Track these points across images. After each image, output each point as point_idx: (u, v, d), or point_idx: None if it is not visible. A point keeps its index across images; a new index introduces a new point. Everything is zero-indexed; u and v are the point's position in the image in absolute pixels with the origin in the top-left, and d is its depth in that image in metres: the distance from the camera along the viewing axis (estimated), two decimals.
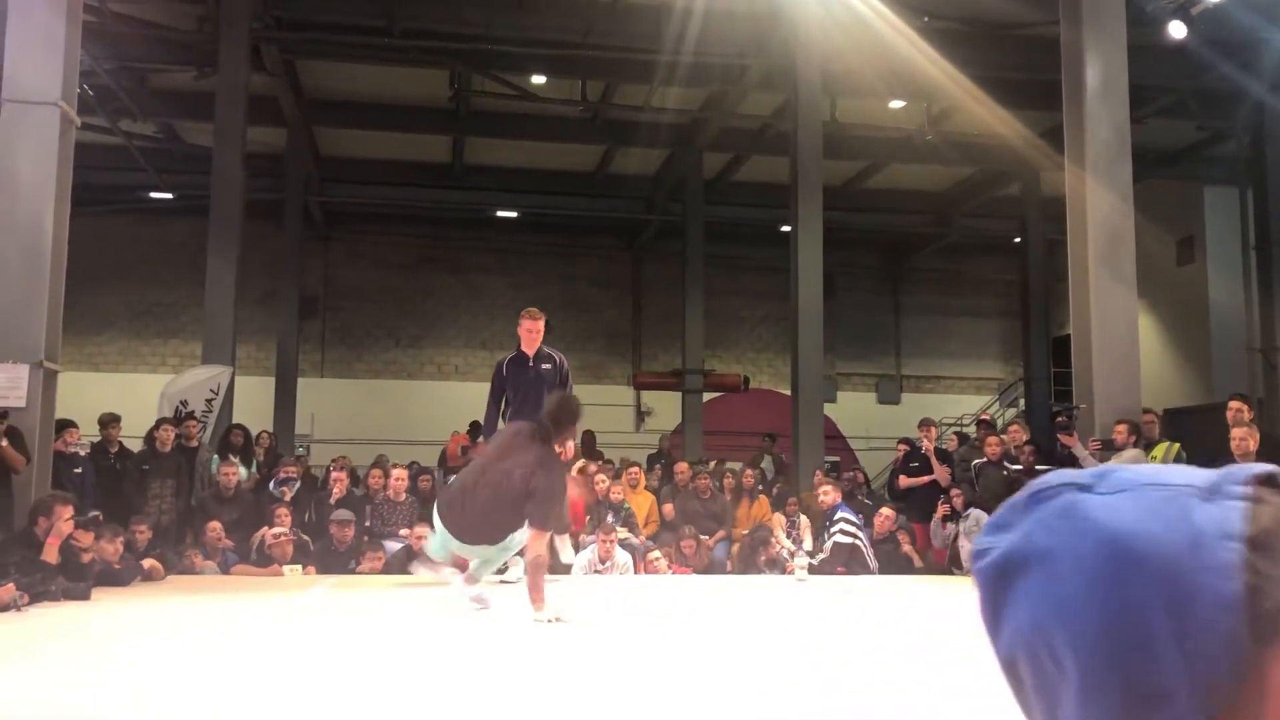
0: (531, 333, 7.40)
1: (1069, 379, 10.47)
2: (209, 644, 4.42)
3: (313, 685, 3.64)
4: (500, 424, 7.52)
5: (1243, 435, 8.00)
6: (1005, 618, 0.67)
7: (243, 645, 4.47)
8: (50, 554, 6.22)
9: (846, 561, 9.04)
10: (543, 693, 3.54)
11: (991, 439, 10.50)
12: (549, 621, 5.15)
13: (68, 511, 6.44)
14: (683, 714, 3.21)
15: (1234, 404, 8.79)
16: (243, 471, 10.76)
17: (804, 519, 10.07)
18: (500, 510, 5.27)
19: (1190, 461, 9.13)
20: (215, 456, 11.00)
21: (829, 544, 9.11)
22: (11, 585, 5.49)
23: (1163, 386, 18.61)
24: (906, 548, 9.80)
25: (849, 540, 9.11)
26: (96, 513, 6.98)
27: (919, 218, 23.07)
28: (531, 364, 7.41)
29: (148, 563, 7.31)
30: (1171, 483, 0.64)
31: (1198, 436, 9.41)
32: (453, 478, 5.80)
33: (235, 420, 12.97)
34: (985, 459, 10.13)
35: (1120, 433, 9.24)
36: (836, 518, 9.31)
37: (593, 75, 16.86)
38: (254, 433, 12.69)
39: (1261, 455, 7.99)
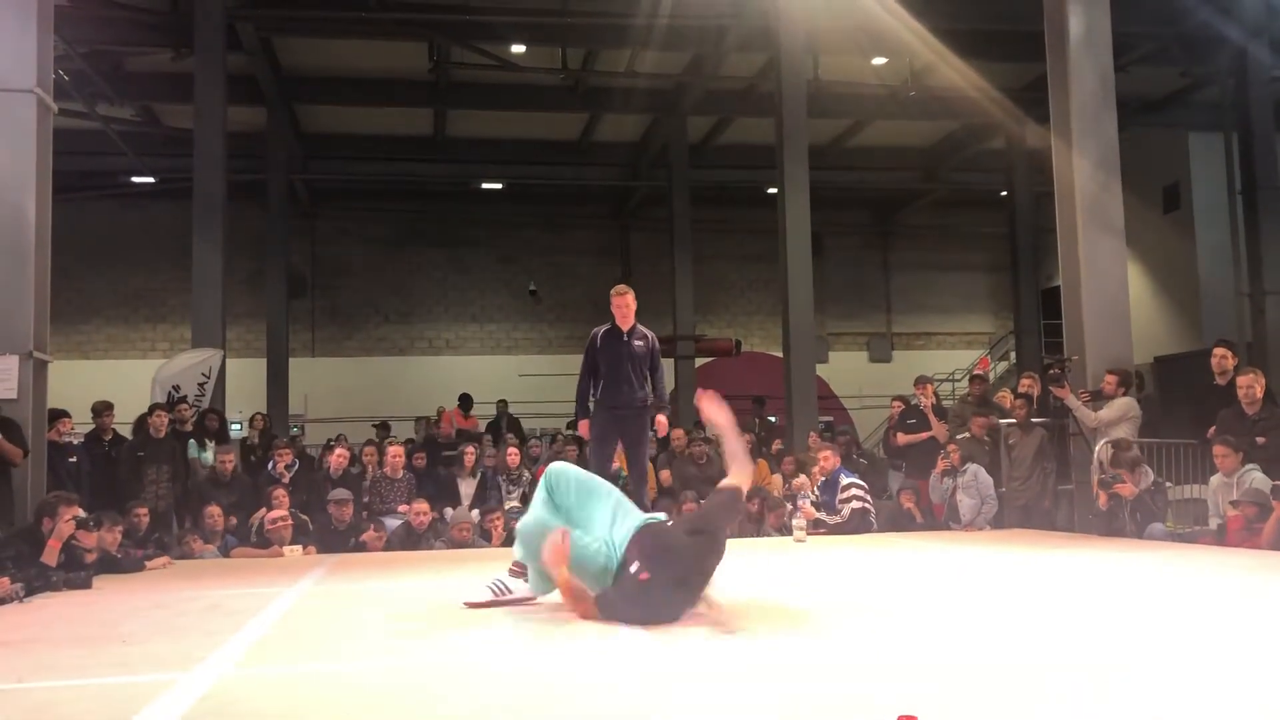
0: (624, 308, 7.50)
1: (1060, 331, 10.50)
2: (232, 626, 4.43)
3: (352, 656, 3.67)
4: (592, 398, 7.60)
5: (1249, 382, 7.90)
6: None
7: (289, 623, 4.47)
8: (50, 556, 6.18)
9: (858, 526, 9.09)
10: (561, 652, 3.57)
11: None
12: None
13: (71, 512, 6.38)
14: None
15: (1218, 350, 8.77)
16: (207, 456, 10.64)
17: (800, 478, 10.10)
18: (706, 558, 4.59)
19: (1188, 407, 8.91)
20: (192, 441, 10.90)
21: (847, 510, 9.15)
22: (6, 580, 5.48)
23: (1153, 335, 18.68)
24: (909, 505, 9.84)
25: (861, 505, 9.16)
26: (97, 514, 6.95)
27: (905, 174, 23.05)
28: (625, 339, 7.54)
29: (154, 562, 7.33)
30: None
31: (1187, 383, 9.39)
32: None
33: (230, 403, 12.98)
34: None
35: (1109, 383, 9.25)
36: (845, 483, 9.33)
37: (573, 43, 16.72)
38: (249, 415, 12.69)
39: (1268, 401, 7.96)
